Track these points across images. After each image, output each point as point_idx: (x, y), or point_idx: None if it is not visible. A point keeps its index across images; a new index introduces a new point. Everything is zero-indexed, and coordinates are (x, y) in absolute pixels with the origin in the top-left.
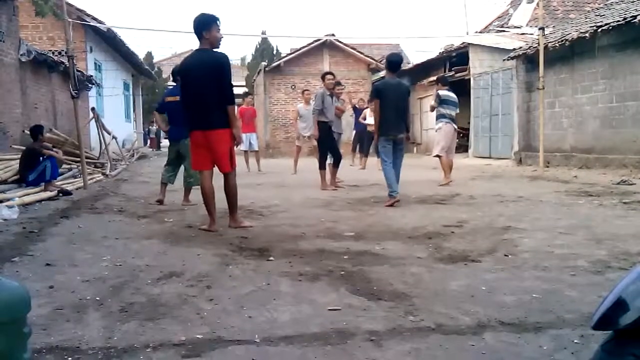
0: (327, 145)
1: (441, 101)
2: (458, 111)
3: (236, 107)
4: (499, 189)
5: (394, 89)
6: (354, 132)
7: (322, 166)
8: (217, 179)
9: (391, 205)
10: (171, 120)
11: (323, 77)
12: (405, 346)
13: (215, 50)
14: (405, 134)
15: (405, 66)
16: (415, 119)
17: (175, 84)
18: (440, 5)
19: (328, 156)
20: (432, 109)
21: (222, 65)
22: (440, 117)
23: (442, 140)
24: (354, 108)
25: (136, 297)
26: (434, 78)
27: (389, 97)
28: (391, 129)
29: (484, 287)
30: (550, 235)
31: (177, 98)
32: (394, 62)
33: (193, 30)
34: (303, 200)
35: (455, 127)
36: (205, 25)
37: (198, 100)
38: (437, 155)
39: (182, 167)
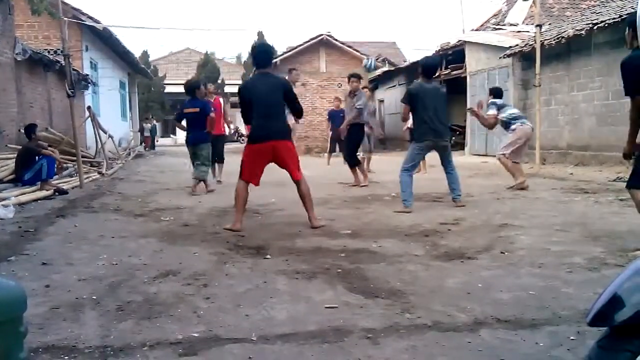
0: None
1: (498, 107)
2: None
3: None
4: (495, 187)
5: (431, 93)
6: (330, 133)
7: (356, 162)
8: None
9: (401, 212)
10: (189, 127)
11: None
12: (402, 343)
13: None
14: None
15: (401, 64)
16: None
17: (190, 97)
18: (436, 3)
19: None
20: (492, 125)
21: (292, 88)
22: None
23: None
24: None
25: (133, 295)
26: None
27: (425, 102)
28: (428, 135)
29: (481, 284)
30: (546, 232)
31: (196, 110)
32: (430, 66)
33: (261, 57)
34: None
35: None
36: (273, 55)
37: (270, 116)
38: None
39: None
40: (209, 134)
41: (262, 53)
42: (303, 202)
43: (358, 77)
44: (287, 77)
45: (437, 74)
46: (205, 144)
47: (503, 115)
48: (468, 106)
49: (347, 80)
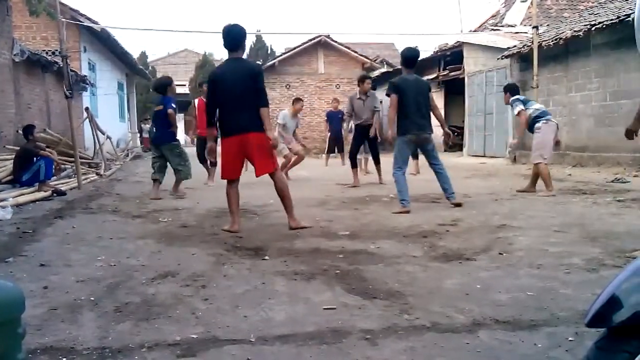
0: (359, 144)
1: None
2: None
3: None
4: (493, 187)
5: (413, 85)
6: (329, 134)
7: (356, 163)
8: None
9: (400, 213)
10: (155, 126)
11: (362, 81)
12: (400, 345)
13: (248, 60)
14: (443, 133)
15: (399, 65)
16: None
17: (158, 94)
18: (434, 4)
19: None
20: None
21: (261, 74)
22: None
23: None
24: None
25: (131, 297)
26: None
27: (408, 94)
28: (412, 128)
29: (479, 285)
30: (544, 233)
31: (160, 107)
32: (409, 57)
33: (231, 40)
34: (298, 199)
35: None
36: (245, 37)
37: (239, 106)
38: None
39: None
40: (173, 133)
41: (232, 35)
42: (281, 200)
43: (371, 79)
44: (293, 107)
45: (418, 63)
46: (169, 144)
47: (529, 111)
48: (508, 146)
49: (361, 82)
